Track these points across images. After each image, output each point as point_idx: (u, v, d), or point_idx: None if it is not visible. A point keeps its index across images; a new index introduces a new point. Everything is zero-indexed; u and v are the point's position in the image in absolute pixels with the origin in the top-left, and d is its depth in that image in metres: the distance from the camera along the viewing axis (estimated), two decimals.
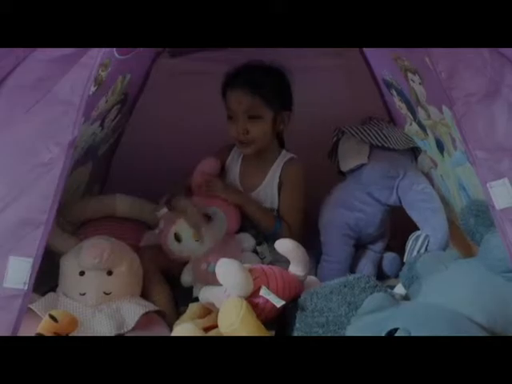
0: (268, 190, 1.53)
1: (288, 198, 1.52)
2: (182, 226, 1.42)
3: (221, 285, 1.10)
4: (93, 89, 1.02)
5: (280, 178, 1.53)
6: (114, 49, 1.04)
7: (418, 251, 1.40)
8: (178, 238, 1.42)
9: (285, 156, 1.55)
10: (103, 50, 0.96)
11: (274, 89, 1.47)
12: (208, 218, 1.43)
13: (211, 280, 1.22)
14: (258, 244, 1.47)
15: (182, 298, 1.40)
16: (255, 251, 1.46)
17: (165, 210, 1.45)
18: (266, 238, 1.52)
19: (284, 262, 1.29)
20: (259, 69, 1.49)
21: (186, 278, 1.43)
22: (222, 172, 1.59)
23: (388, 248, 1.60)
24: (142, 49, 1.24)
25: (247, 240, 1.46)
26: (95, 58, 0.96)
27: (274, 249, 1.45)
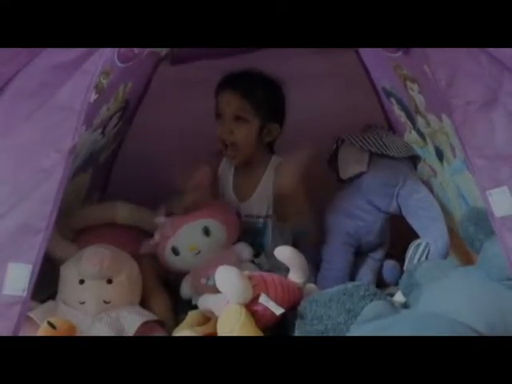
0: (263, 198, 1.53)
1: (292, 200, 1.47)
2: (179, 240, 1.40)
3: (220, 293, 1.10)
4: (94, 96, 1.02)
5: (274, 183, 1.51)
6: (116, 56, 1.05)
7: (419, 259, 1.40)
8: (175, 252, 1.41)
9: (274, 162, 1.55)
10: (104, 56, 0.97)
11: (264, 98, 1.49)
12: (207, 231, 1.41)
13: (211, 293, 1.22)
14: (256, 256, 1.46)
15: (182, 305, 1.40)
16: (253, 262, 1.45)
17: (162, 219, 1.43)
18: (259, 245, 1.51)
19: (277, 268, 1.29)
20: (254, 76, 1.51)
21: (185, 290, 1.42)
22: (215, 178, 1.58)
23: (388, 256, 1.59)
24: (143, 56, 1.25)
25: (245, 250, 1.45)
26: (96, 64, 0.96)
27: (271, 259, 1.46)
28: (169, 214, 1.45)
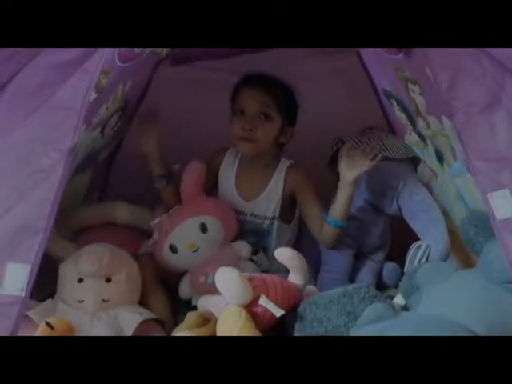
0: (271, 199, 1.51)
1: (313, 203, 1.48)
2: (177, 237, 1.40)
3: (219, 294, 1.10)
4: (94, 96, 1.02)
5: (285, 185, 1.50)
6: (116, 56, 1.05)
7: (419, 261, 1.39)
8: (173, 250, 1.40)
9: (284, 163, 1.53)
10: (105, 56, 0.97)
11: (285, 97, 1.48)
12: (204, 227, 1.41)
13: (209, 292, 1.22)
14: (254, 253, 1.46)
15: (181, 306, 1.40)
16: (251, 259, 1.45)
17: (156, 220, 1.43)
18: (263, 246, 1.51)
19: (277, 270, 1.29)
20: (275, 78, 1.50)
21: (184, 290, 1.42)
22: (212, 176, 1.56)
23: (388, 258, 1.59)
24: (143, 56, 1.24)
25: (244, 248, 1.45)
26: (97, 64, 0.96)
27: (269, 258, 1.46)
28: (167, 211, 1.45)
